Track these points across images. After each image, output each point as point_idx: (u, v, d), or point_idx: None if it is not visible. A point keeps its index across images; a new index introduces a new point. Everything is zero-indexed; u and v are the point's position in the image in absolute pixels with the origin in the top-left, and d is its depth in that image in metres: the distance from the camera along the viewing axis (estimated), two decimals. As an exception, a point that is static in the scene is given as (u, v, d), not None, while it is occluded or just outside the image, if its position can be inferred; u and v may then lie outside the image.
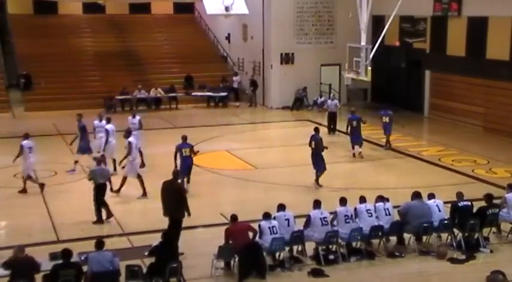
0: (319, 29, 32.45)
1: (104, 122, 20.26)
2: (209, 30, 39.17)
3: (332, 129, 26.07)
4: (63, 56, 34.01)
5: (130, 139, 17.65)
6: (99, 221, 15.29)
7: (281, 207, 13.40)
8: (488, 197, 14.31)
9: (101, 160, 16.21)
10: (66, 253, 11.01)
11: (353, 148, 21.99)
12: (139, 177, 17.37)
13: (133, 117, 21.08)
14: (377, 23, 29.71)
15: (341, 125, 26.65)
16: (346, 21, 29.92)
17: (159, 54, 36.82)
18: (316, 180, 18.40)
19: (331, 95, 29.25)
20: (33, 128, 21.00)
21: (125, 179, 17.38)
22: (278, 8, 31.61)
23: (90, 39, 36.97)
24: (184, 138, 17.91)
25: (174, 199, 13.49)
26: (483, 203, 14.23)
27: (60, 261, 10.99)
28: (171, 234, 12.43)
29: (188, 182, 17.54)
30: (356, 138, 22.02)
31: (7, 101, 31.13)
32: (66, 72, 33.18)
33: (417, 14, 29.57)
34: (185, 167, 17.43)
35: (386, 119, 23.07)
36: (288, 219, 13.15)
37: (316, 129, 19.05)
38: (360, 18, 26.84)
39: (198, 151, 18.11)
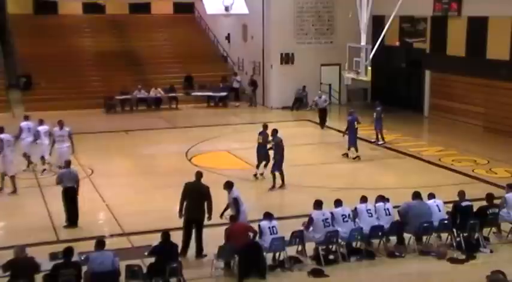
0: (319, 29, 32.44)
1: (66, 129, 19.13)
2: (209, 30, 39.17)
3: (323, 124, 26.97)
4: (63, 56, 34.00)
5: (2, 136, 17.75)
6: (70, 225, 15.07)
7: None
8: (489, 197, 14.32)
9: (69, 162, 16.02)
10: (68, 251, 11.02)
11: (349, 149, 21.81)
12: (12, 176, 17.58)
13: (61, 128, 18.92)
14: (377, 23, 29.65)
15: (338, 123, 26.72)
16: (346, 21, 29.85)
17: (159, 54, 36.82)
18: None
19: (319, 92, 29.49)
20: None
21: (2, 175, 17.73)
22: (278, 8, 31.61)
23: (90, 39, 36.96)
24: (264, 126, 19.13)
25: (198, 200, 13.41)
26: (483, 203, 14.23)
27: (60, 261, 10.99)
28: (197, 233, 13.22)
29: (257, 166, 19.04)
30: (352, 140, 21.69)
31: (7, 101, 31.11)
32: (66, 72, 33.15)
33: (417, 14, 29.56)
34: (256, 153, 18.98)
35: (382, 114, 23.39)
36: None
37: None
38: (359, 18, 26.73)
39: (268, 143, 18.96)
